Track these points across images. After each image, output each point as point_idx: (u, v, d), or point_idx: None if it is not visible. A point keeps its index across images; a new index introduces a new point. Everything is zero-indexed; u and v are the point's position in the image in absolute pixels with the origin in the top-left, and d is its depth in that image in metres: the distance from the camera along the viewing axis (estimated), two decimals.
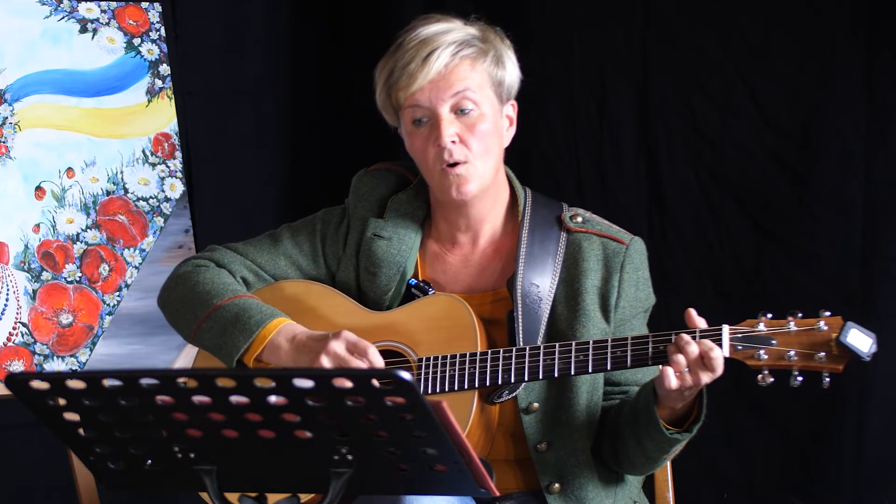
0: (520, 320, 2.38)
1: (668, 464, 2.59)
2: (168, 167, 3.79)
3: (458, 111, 2.40)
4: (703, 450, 3.45)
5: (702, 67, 3.46)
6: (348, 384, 1.73)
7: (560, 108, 3.64)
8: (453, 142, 2.39)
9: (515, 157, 3.64)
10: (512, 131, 2.51)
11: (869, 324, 3.21)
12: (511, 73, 2.48)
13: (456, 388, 2.32)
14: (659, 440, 2.30)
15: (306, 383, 1.73)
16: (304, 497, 2.00)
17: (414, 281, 2.48)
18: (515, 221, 2.50)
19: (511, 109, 2.50)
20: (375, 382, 1.72)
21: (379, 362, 2.34)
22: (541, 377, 2.31)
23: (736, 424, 3.43)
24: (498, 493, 1.94)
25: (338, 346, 2.33)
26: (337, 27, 4.01)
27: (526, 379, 2.31)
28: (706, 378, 2.20)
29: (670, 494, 2.59)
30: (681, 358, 2.19)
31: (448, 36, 2.41)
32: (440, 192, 2.44)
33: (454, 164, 2.39)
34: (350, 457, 1.83)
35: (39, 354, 3.59)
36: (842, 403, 3.30)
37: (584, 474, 2.39)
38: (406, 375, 1.70)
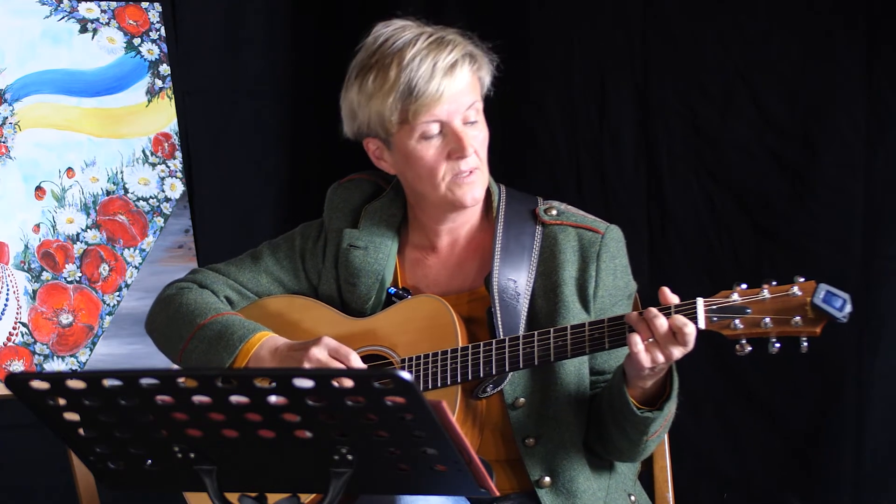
0: (498, 316, 2.38)
1: (668, 464, 2.59)
2: (168, 167, 3.79)
3: (468, 122, 2.39)
4: (702, 450, 3.47)
5: (702, 67, 3.46)
6: (348, 384, 1.73)
7: (560, 108, 3.64)
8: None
9: (515, 157, 3.68)
10: None
11: (869, 323, 3.26)
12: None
13: (439, 384, 2.33)
14: (633, 421, 2.30)
15: (306, 383, 1.73)
16: (304, 497, 2.00)
17: (393, 289, 2.48)
18: (491, 218, 2.49)
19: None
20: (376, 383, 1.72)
21: (360, 367, 2.35)
22: (521, 366, 2.31)
23: (735, 424, 3.43)
24: (498, 493, 1.95)
25: (319, 353, 2.35)
26: (336, 27, 4.01)
27: (507, 368, 2.31)
28: (677, 353, 2.20)
29: (670, 494, 2.59)
30: (645, 328, 2.19)
31: (459, 49, 2.39)
32: (451, 200, 2.42)
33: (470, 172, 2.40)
34: (350, 457, 1.83)
35: (39, 354, 3.59)
36: (841, 403, 3.30)
37: (574, 467, 2.39)
38: (406, 375, 1.70)
